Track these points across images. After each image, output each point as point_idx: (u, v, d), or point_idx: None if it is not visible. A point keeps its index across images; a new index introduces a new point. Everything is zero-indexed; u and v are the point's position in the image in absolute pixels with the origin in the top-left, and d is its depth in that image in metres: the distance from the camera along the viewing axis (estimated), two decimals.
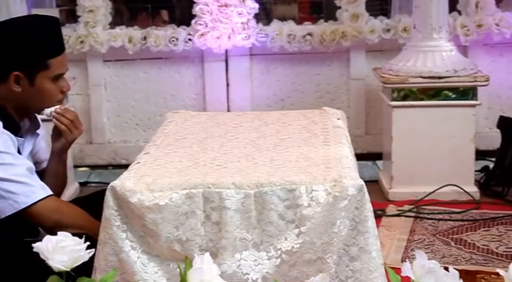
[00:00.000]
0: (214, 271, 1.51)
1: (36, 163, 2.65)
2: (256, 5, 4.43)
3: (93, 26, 4.45)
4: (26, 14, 2.55)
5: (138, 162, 2.27)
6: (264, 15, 4.78)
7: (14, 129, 2.40)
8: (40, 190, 2.31)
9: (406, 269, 1.54)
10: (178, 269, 1.59)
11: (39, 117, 2.59)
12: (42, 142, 2.69)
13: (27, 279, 1.98)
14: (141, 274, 2.04)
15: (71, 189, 4.01)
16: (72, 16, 4.69)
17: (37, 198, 2.28)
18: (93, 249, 1.54)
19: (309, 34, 4.44)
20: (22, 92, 2.38)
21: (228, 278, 1.98)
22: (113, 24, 4.57)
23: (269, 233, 2.02)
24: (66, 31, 4.34)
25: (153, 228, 2.00)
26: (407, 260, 2.90)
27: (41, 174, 2.59)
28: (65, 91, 2.48)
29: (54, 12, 4.59)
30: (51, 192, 2.34)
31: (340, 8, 4.45)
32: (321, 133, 2.58)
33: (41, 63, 2.38)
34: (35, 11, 4.40)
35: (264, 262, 2.02)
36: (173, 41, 4.45)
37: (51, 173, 2.62)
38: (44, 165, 2.68)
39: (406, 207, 3.67)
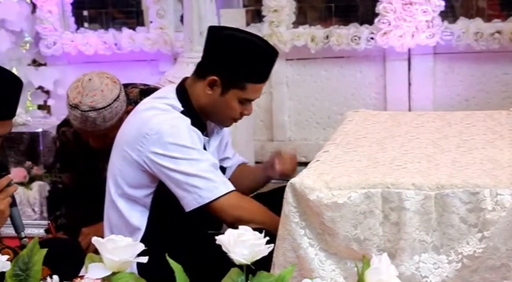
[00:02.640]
0: (392, 272, 1.49)
1: (225, 159, 2.74)
2: (442, 2, 4.32)
3: (277, 26, 4.54)
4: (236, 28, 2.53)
5: (318, 160, 2.28)
6: (450, 13, 4.65)
7: (200, 127, 2.48)
8: (222, 186, 2.37)
9: None
10: (355, 268, 1.58)
11: None
12: (229, 138, 2.76)
13: (209, 270, 2.05)
14: (318, 271, 2.05)
15: None
16: (257, 16, 4.81)
17: (219, 194, 2.35)
18: (272, 245, 1.56)
19: (498, 32, 4.27)
20: (210, 96, 2.45)
21: (406, 279, 1.95)
22: (297, 24, 4.64)
23: (450, 236, 1.96)
24: (251, 31, 4.43)
25: (331, 226, 2.01)
26: None
27: (225, 169, 2.68)
28: (245, 114, 2.52)
29: (241, 13, 4.73)
30: (233, 188, 2.39)
31: None
32: (508, 135, 2.48)
33: (241, 82, 2.42)
34: (222, 12, 4.56)
35: (444, 266, 1.97)
36: (355, 39, 4.44)
37: (253, 181, 2.73)
38: (233, 162, 2.75)
39: None
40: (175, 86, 2.55)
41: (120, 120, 2.76)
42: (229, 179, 2.69)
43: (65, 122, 3.13)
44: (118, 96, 2.82)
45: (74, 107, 2.80)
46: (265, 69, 2.48)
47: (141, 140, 2.38)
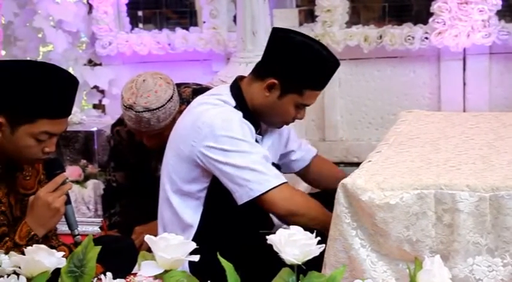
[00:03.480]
0: (445, 274, 1.48)
1: (289, 153, 2.74)
2: (499, 1, 4.25)
3: (330, 25, 4.52)
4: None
5: (370, 161, 2.27)
6: (507, 12, 4.57)
7: (253, 125, 2.48)
8: (274, 178, 2.36)
9: None
10: (407, 270, 1.57)
11: None
12: (290, 131, 2.74)
13: (261, 270, 2.06)
14: (370, 272, 2.04)
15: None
16: (310, 16, 4.80)
17: (270, 186, 2.34)
18: (324, 245, 1.56)
19: None
20: (267, 98, 2.45)
21: None
22: (350, 23, 4.61)
23: (505, 239, 1.93)
24: (304, 30, 4.44)
25: (383, 227, 2.00)
26: None
27: (280, 167, 2.67)
28: (298, 118, 2.52)
29: (294, 12, 4.73)
30: (284, 180, 2.38)
31: None
32: None
33: (300, 88, 2.43)
34: (275, 11, 4.56)
35: (499, 269, 1.94)
36: (409, 39, 4.40)
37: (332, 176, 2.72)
38: (302, 153, 2.76)
39: None
40: (228, 85, 2.56)
41: (174, 120, 2.79)
42: (306, 175, 2.71)
43: (120, 121, 3.18)
44: (171, 97, 2.85)
45: (128, 107, 2.84)
46: (325, 77, 2.48)
47: (194, 135, 2.40)
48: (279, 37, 2.47)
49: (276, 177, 2.38)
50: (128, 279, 1.58)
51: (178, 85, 3.04)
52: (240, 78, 2.55)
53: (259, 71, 2.48)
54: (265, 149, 2.53)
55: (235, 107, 2.46)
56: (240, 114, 2.43)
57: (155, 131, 2.87)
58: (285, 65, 2.41)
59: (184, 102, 2.97)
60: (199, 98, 2.57)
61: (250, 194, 2.34)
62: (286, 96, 2.44)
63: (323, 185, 2.74)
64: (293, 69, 2.40)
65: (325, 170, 2.85)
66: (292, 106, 2.46)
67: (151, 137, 2.93)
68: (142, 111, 2.81)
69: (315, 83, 2.46)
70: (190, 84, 3.16)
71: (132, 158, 3.18)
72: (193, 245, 1.53)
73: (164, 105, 2.82)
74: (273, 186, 2.34)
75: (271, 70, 2.44)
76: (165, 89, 2.84)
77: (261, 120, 2.55)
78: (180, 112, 2.81)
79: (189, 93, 3.07)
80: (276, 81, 2.42)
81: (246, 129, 2.42)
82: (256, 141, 2.49)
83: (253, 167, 2.35)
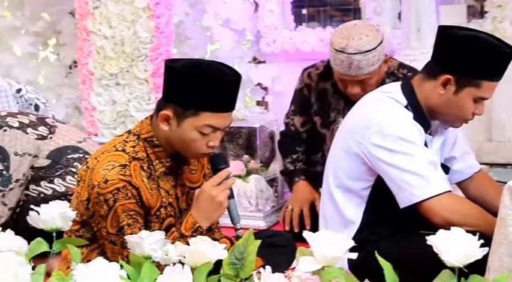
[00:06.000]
0: None
1: (451, 159, 2.66)
2: None
3: (501, 21, 4.35)
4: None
5: None
6: None
7: (424, 125, 2.44)
8: (436, 185, 2.32)
9: None
10: None
11: None
12: (457, 136, 2.66)
13: (419, 270, 2.02)
14: None
15: None
16: (479, 12, 4.65)
17: (431, 194, 2.30)
18: (487, 248, 1.51)
19: None
20: (442, 96, 2.40)
21: None
22: None
23: None
24: (472, 27, 4.28)
25: None
26: None
27: (448, 169, 2.59)
28: (477, 114, 2.43)
29: (461, 8, 4.59)
30: (447, 189, 2.33)
31: None
32: None
33: (477, 80, 2.35)
34: (441, 8, 4.45)
35: None
36: None
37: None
38: (462, 164, 2.67)
39: None
40: (399, 83, 2.53)
41: (380, 68, 2.83)
42: (466, 191, 2.64)
43: (313, 65, 3.30)
44: (381, 42, 2.90)
45: (339, 51, 2.90)
46: (499, 65, 2.39)
47: (362, 132, 2.40)
48: (446, 34, 2.41)
49: (439, 185, 2.32)
50: (287, 274, 1.60)
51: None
52: (411, 77, 2.52)
53: (430, 70, 2.43)
54: (433, 153, 2.47)
55: (406, 106, 2.42)
56: (410, 114, 2.40)
57: (363, 76, 2.90)
58: (457, 59, 2.36)
59: (389, 70, 3.00)
60: (371, 94, 2.57)
61: (411, 198, 2.31)
62: (463, 91, 2.37)
63: (483, 207, 2.55)
64: (466, 61, 2.34)
65: (489, 193, 2.64)
66: (470, 100, 2.39)
67: (356, 83, 2.95)
68: (354, 54, 2.86)
69: (491, 73, 2.38)
70: (395, 58, 3.21)
71: (315, 103, 3.23)
72: (352, 243, 1.53)
73: (375, 48, 2.87)
74: (433, 194, 2.30)
75: (444, 67, 2.38)
76: (375, 34, 2.91)
77: (437, 119, 2.49)
78: (385, 62, 2.92)
79: (396, 65, 3.11)
80: (450, 76, 2.36)
81: (415, 130, 2.38)
82: (426, 142, 2.44)
83: (417, 171, 2.31)
